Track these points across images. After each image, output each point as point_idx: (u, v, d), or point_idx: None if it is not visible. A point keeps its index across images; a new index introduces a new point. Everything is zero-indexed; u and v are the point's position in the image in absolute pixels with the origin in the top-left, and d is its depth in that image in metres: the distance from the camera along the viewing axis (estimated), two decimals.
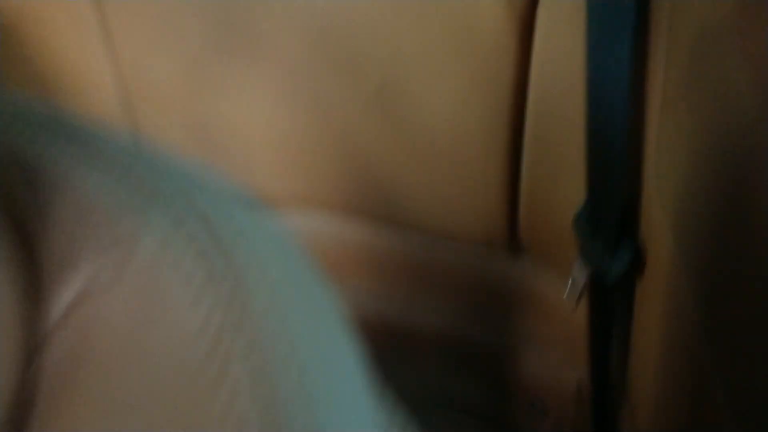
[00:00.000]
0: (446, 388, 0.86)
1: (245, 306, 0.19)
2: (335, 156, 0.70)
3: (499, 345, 0.80)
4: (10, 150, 0.19)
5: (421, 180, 0.66)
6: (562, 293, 0.72)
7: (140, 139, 0.82)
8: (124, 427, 0.17)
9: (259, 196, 0.80)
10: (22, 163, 0.19)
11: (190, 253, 0.19)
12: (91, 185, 0.19)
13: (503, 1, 0.52)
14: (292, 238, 0.22)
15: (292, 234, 0.23)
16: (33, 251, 0.18)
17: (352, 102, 0.64)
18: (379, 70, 0.61)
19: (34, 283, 0.18)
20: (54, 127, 0.20)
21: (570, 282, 0.58)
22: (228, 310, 0.18)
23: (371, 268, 0.83)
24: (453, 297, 0.81)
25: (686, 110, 0.40)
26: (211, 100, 0.73)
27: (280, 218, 0.86)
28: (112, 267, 0.18)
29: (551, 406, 0.79)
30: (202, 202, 0.20)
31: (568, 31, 0.52)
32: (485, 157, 0.61)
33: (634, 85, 0.45)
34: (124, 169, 0.20)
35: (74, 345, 0.18)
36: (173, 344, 0.18)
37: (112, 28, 0.73)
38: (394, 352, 0.85)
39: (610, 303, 0.58)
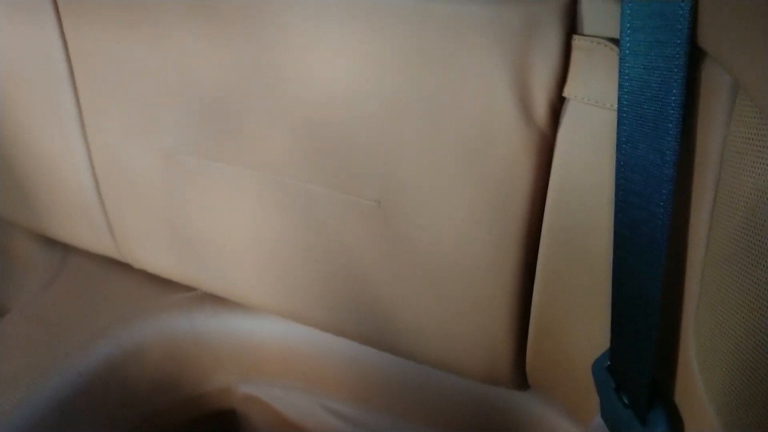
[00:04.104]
0: None
1: None
2: (324, 272, 0.62)
3: None
4: None
5: (419, 306, 0.58)
6: (571, 430, 0.64)
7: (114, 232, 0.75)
8: None
9: (237, 300, 0.72)
10: None
11: None
12: None
13: (523, 116, 0.46)
14: None
15: None
16: None
17: (346, 215, 0.57)
18: (377, 182, 0.54)
19: None
20: None
21: None
22: None
23: (358, 389, 0.74)
24: (447, 428, 0.72)
25: (735, 278, 0.33)
26: (189, 197, 0.66)
27: (256, 318, 0.78)
28: None
29: None
30: None
31: (594, 151, 0.46)
32: (492, 284, 0.54)
33: (672, 227, 0.39)
34: None
35: None
36: None
37: (85, 114, 0.67)
38: None
39: None
